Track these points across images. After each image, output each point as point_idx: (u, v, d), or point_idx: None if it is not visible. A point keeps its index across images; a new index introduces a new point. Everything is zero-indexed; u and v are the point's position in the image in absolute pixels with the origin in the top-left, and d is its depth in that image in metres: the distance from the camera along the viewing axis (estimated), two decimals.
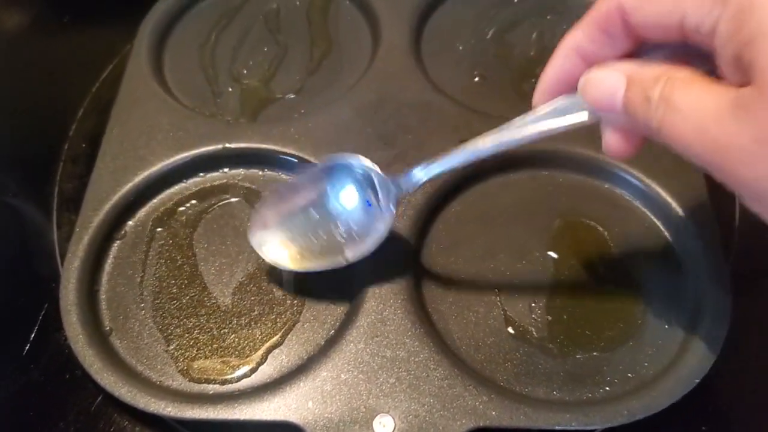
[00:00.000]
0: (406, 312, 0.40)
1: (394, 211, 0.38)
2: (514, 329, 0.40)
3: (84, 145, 0.52)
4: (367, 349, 0.38)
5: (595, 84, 0.30)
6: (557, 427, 0.36)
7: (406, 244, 0.43)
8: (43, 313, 0.43)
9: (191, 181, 0.48)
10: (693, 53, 0.28)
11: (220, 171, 0.48)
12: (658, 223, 0.44)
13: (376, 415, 0.36)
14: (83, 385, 0.39)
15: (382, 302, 0.40)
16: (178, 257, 0.44)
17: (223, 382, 0.39)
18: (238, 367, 0.40)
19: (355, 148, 0.41)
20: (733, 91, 0.25)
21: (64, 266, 0.43)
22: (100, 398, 0.39)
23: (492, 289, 0.42)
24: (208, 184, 0.48)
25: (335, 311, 0.41)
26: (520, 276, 0.42)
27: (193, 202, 0.47)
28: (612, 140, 0.32)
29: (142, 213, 0.47)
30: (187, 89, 0.54)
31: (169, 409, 0.37)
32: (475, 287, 0.42)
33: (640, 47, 0.30)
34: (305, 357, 0.40)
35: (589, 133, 0.46)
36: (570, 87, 0.32)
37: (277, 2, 0.59)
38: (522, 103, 0.35)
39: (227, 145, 0.48)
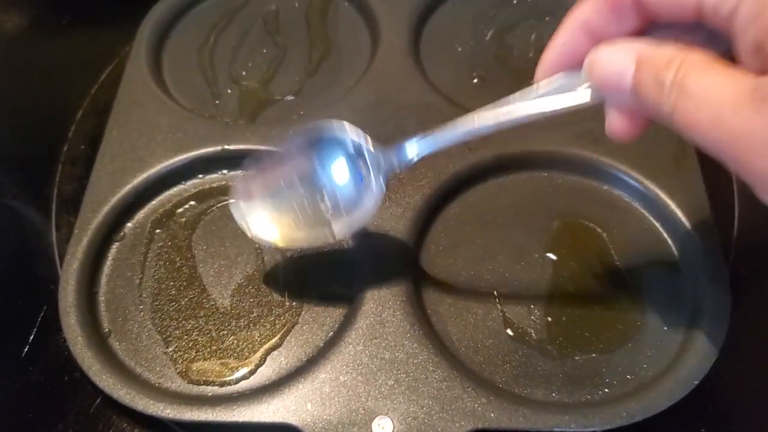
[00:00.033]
0: (404, 314, 0.40)
1: (384, 188, 0.37)
2: (512, 331, 0.40)
3: (83, 147, 0.52)
4: (366, 351, 0.38)
5: (602, 63, 0.29)
6: (556, 429, 0.36)
7: (404, 246, 0.43)
8: (42, 314, 0.43)
9: (190, 182, 0.48)
10: (705, 33, 0.27)
11: (219, 173, 0.48)
12: (657, 225, 0.44)
13: (375, 417, 0.36)
14: (82, 386, 0.39)
15: (381, 304, 0.40)
16: (177, 259, 0.44)
17: (222, 384, 0.39)
18: (237, 369, 0.40)
19: None
20: (752, 79, 0.24)
21: (63, 268, 0.43)
22: (98, 400, 0.39)
23: (491, 290, 0.42)
24: (207, 186, 0.48)
25: (334, 313, 0.41)
26: (519, 277, 0.42)
27: (192, 203, 0.47)
28: (616, 121, 0.30)
29: (141, 215, 0.47)
30: (186, 91, 0.54)
31: (168, 411, 0.37)
32: (474, 289, 0.42)
33: (649, 25, 0.29)
34: (304, 359, 0.40)
35: (588, 134, 0.47)
36: (574, 63, 0.30)
37: (276, 4, 0.59)
38: None
39: (226, 146, 0.48)
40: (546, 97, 0.31)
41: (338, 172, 0.38)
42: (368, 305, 0.40)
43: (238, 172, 0.48)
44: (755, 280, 0.44)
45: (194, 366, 0.40)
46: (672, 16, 0.28)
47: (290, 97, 0.53)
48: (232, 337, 0.41)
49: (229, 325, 0.41)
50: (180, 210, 0.47)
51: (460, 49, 0.55)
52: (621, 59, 0.28)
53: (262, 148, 0.47)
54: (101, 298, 0.43)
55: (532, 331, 0.40)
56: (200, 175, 0.48)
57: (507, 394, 0.38)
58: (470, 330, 0.40)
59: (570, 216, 0.45)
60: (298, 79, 0.54)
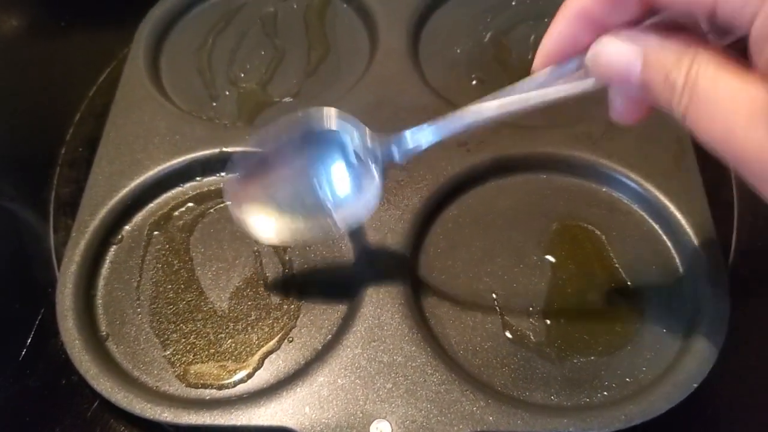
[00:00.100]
0: (403, 316, 0.39)
1: (378, 180, 0.36)
2: (511, 333, 0.40)
3: (81, 149, 0.52)
4: (364, 354, 0.38)
5: (606, 58, 0.27)
6: None
7: (403, 248, 0.42)
8: (39, 318, 0.43)
9: (188, 185, 0.48)
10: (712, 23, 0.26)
11: (217, 175, 0.48)
12: (656, 227, 0.44)
13: (373, 421, 0.36)
14: (79, 390, 0.39)
15: (379, 307, 0.40)
16: (175, 262, 0.44)
17: (220, 387, 0.39)
18: (235, 372, 0.40)
19: None
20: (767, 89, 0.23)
21: (61, 271, 0.43)
22: (96, 404, 0.39)
23: (489, 293, 0.42)
24: (205, 188, 0.48)
25: (332, 316, 0.41)
26: (518, 280, 0.42)
27: (190, 206, 0.47)
28: (621, 107, 0.30)
29: (138, 217, 0.46)
30: (184, 93, 0.53)
31: (166, 414, 0.37)
32: (473, 291, 0.42)
33: (650, 13, 0.28)
34: (302, 362, 0.40)
35: (587, 136, 0.46)
36: (573, 52, 0.29)
37: (274, 5, 0.59)
38: None
39: (224, 149, 0.47)
40: (547, 85, 0.30)
41: (331, 159, 0.37)
42: (366, 308, 0.40)
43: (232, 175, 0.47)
44: (755, 281, 0.44)
45: (192, 369, 0.40)
46: (681, 10, 0.26)
47: (289, 99, 0.53)
48: (230, 340, 0.41)
49: (227, 328, 0.41)
50: (178, 212, 0.47)
51: (458, 51, 0.55)
52: (626, 54, 0.27)
53: (259, 149, 0.47)
54: (99, 301, 0.43)
55: (530, 333, 0.40)
56: (198, 178, 0.48)
57: (505, 397, 0.37)
58: (469, 333, 0.40)
59: (569, 218, 0.45)
60: (296, 81, 0.54)
